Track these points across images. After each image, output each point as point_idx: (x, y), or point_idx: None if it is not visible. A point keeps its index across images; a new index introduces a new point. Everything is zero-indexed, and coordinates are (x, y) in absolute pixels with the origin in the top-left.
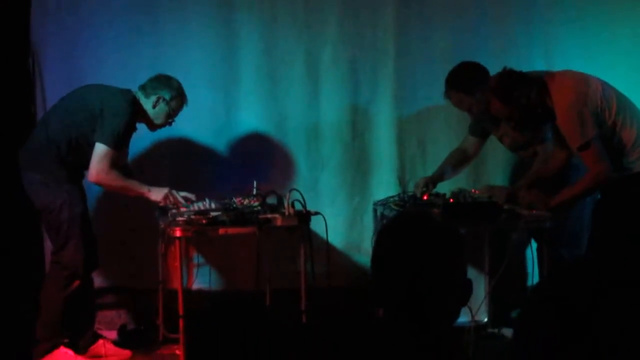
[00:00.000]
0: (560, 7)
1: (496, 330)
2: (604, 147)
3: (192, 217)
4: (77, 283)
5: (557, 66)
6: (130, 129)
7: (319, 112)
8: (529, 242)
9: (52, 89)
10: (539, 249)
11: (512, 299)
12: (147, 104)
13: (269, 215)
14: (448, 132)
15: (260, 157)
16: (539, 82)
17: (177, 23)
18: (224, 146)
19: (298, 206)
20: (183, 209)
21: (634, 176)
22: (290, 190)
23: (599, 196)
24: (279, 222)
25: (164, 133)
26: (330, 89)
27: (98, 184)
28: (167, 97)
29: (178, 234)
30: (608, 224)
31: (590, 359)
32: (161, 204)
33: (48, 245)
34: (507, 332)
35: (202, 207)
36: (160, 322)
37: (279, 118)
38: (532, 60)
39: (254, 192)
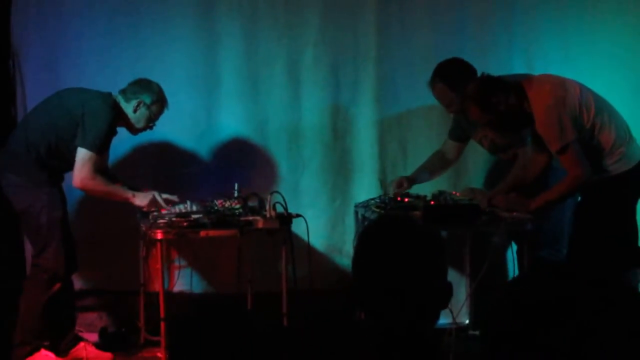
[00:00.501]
0: (540, 10)
1: (477, 333)
2: (582, 150)
3: (174, 219)
4: (57, 286)
5: (538, 68)
6: (111, 133)
7: (300, 115)
8: (509, 244)
9: (33, 91)
10: (519, 251)
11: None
12: (127, 108)
13: (250, 218)
14: (429, 134)
15: (241, 159)
16: (517, 87)
17: (158, 26)
18: (205, 149)
19: (279, 208)
20: (164, 211)
21: (613, 178)
22: (272, 193)
23: (579, 198)
24: (260, 225)
25: (145, 136)
26: (312, 92)
27: (82, 189)
28: (147, 101)
29: (159, 236)
30: (588, 226)
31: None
32: (146, 209)
33: (29, 248)
34: None
35: (183, 210)
36: (142, 324)
37: (260, 120)
38: (513, 62)
39: (236, 194)
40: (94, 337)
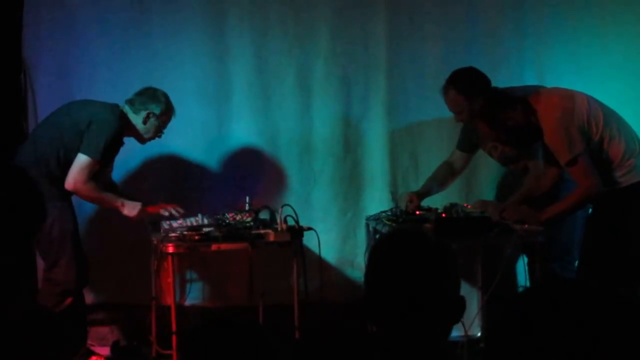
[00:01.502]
0: (551, 22)
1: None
2: (592, 162)
3: (185, 233)
4: (69, 300)
5: (548, 80)
6: (117, 144)
7: (311, 127)
8: (520, 256)
9: (44, 105)
10: (530, 264)
11: None
12: (136, 119)
13: (262, 231)
14: (440, 146)
15: (252, 172)
16: (524, 102)
17: (169, 39)
18: (216, 161)
19: (290, 221)
20: (175, 225)
21: (623, 190)
22: (283, 206)
23: (590, 210)
24: (271, 238)
25: (156, 149)
26: (322, 104)
27: (74, 192)
28: (157, 112)
29: (171, 249)
30: (599, 238)
31: None
32: (135, 219)
33: (40, 262)
34: None
35: (194, 223)
36: (153, 338)
37: (271, 133)
38: (524, 74)
39: (247, 207)
40: (106, 351)
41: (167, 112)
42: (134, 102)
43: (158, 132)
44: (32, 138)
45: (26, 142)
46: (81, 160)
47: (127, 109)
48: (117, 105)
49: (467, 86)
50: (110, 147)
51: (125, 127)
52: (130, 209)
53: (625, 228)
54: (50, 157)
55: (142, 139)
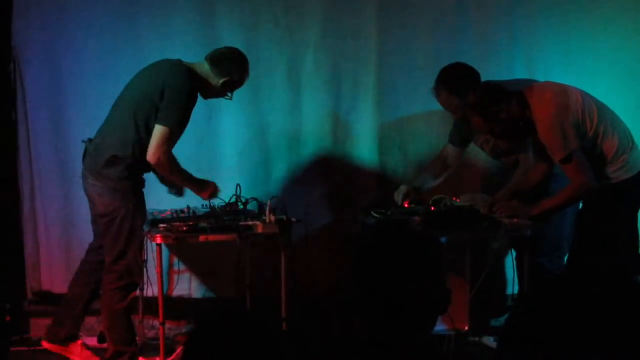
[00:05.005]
0: (541, 15)
1: (477, 339)
2: (586, 159)
3: (173, 224)
4: (134, 294)
5: (539, 74)
6: (192, 106)
7: (301, 120)
8: (509, 250)
9: (34, 95)
10: (518, 258)
11: (492, 308)
12: (214, 79)
13: (250, 223)
14: (430, 140)
15: (241, 164)
16: (518, 96)
17: (159, 31)
18: (205, 153)
19: (279, 214)
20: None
21: (615, 186)
22: (272, 198)
23: (580, 206)
24: (260, 230)
25: None
26: (312, 97)
27: (157, 166)
28: (236, 78)
29: (159, 240)
30: (590, 234)
31: None
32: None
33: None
34: (488, 340)
35: (182, 214)
36: (141, 328)
37: (260, 125)
38: (514, 68)
39: (235, 199)
40: (93, 341)
41: (243, 78)
42: (218, 64)
43: (226, 94)
44: (108, 123)
45: (103, 128)
46: (161, 131)
47: (207, 67)
48: (182, 64)
49: (458, 85)
50: (189, 113)
51: (198, 86)
52: (208, 194)
53: (615, 224)
54: (127, 145)
55: (208, 97)
